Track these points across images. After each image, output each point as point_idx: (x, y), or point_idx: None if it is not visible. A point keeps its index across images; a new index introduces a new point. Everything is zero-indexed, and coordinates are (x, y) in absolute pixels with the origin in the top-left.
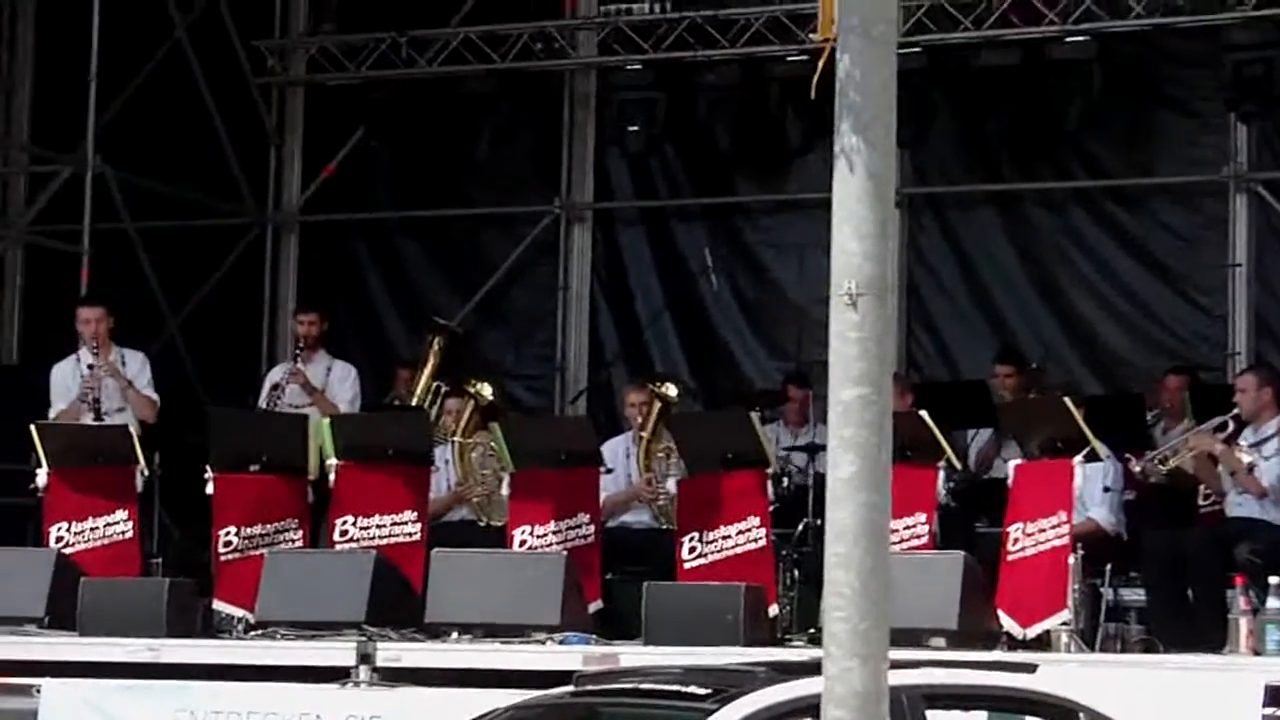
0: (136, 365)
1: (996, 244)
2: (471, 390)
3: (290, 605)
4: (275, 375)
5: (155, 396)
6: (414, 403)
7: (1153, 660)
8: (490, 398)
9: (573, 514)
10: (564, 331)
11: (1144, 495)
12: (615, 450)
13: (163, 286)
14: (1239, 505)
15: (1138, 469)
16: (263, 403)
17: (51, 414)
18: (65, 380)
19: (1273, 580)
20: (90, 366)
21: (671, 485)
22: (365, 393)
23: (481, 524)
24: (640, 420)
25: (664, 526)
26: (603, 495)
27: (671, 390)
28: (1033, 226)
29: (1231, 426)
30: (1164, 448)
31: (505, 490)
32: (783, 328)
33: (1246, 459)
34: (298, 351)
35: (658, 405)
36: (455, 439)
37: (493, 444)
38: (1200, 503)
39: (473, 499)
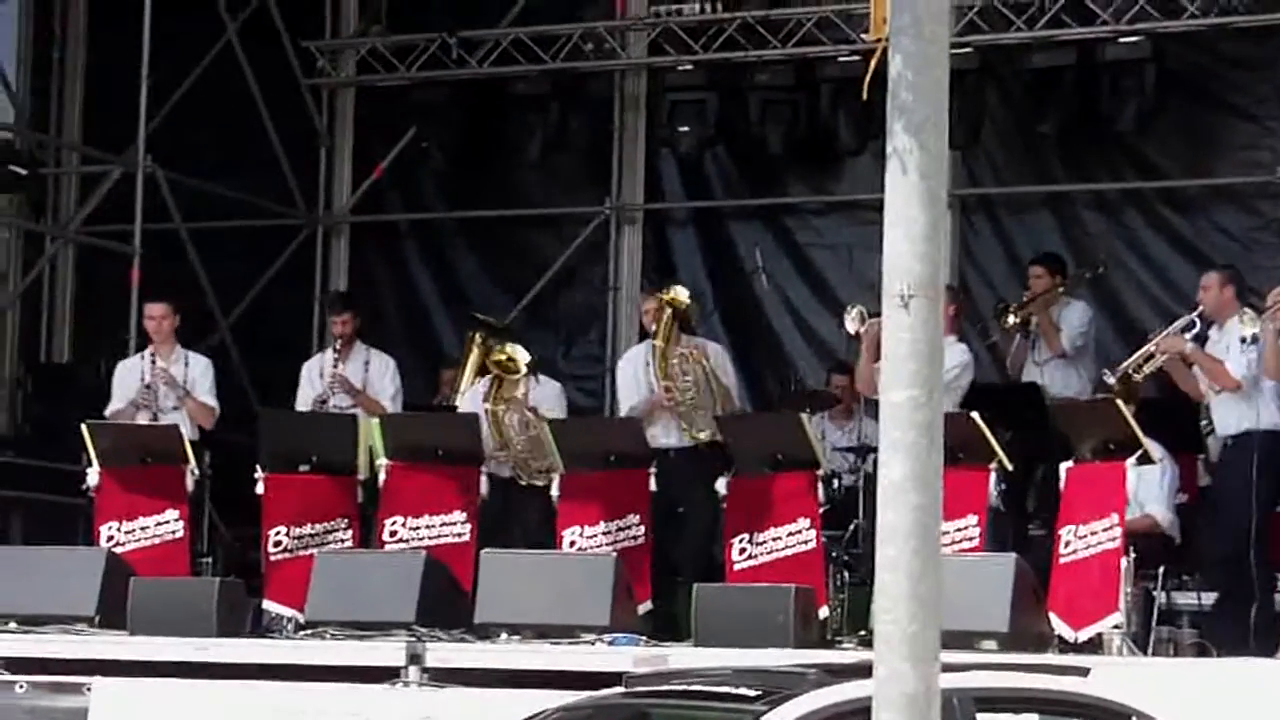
0: (199, 370)
1: (1049, 246)
2: (501, 356)
3: (340, 605)
4: (313, 374)
5: (214, 404)
6: (457, 399)
7: (1206, 664)
8: (508, 353)
9: (622, 515)
10: (614, 332)
11: (1197, 499)
12: (635, 359)
13: (213, 287)
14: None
15: (1110, 380)
16: (303, 405)
17: (107, 411)
18: (125, 379)
19: None
20: (152, 363)
21: (705, 426)
22: (416, 395)
23: (522, 482)
24: (655, 328)
25: (693, 445)
26: (624, 406)
27: (682, 294)
28: (1085, 229)
29: (1198, 325)
30: (1134, 357)
31: (555, 492)
32: (833, 328)
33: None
34: (336, 353)
35: (669, 311)
36: (487, 406)
37: (529, 409)
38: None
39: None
